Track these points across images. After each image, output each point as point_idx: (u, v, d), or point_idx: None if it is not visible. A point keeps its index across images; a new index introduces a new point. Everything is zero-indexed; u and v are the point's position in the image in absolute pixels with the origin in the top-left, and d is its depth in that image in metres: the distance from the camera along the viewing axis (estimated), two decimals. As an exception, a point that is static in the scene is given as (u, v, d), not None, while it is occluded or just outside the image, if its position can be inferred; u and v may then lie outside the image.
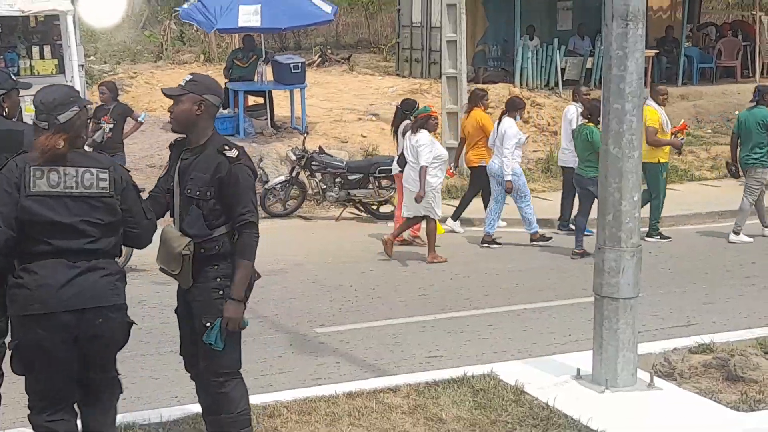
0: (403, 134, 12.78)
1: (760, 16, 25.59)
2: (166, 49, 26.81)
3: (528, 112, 19.03)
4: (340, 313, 10.03)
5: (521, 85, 21.47)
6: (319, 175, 14.73)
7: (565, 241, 13.11)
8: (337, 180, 14.66)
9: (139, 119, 13.73)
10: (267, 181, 15.16)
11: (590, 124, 12.20)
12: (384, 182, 14.60)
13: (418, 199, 11.94)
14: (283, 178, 14.99)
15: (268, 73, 18.09)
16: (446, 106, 16.93)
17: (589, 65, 22.54)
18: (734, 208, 15.00)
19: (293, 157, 14.79)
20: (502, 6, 22.90)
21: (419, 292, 10.88)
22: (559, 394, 6.70)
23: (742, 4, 33.44)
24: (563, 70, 22.18)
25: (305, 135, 15.45)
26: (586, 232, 12.43)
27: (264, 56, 17.84)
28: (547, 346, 8.81)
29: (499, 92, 19.78)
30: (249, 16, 16.09)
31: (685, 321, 9.63)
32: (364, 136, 17.31)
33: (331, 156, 15.15)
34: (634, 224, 6.71)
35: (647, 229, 13.10)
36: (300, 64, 17.62)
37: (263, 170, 15.57)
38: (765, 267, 11.98)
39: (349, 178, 14.66)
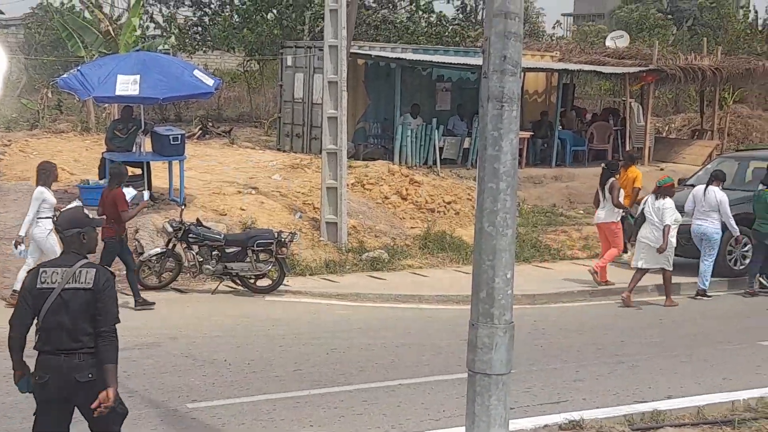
0: (609, 190, 15.50)
1: (630, 103, 26.57)
2: (42, 118, 26.35)
3: (406, 189, 19.28)
4: (213, 388, 9.86)
5: (400, 162, 21.75)
6: (196, 248, 14.57)
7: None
8: (214, 253, 14.52)
9: None
10: (142, 253, 14.93)
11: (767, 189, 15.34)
12: (262, 256, 14.53)
13: (661, 251, 14.33)
14: (159, 249, 14.78)
15: (147, 144, 17.92)
16: (326, 181, 17.00)
17: (466, 145, 23.00)
18: (603, 287, 15.48)
19: (170, 229, 14.61)
20: (383, 85, 23.28)
21: (294, 366, 10.79)
22: (431, 470, 6.69)
23: (613, 91, 34.71)
24: (441, 149, 22.58)
25: (183, 207, 15.32)
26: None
27: (143, 127, 17.68)
28: (421, 422, 8.82)
29: (378, 169, 20.00)
30: (127, 86, 15.95)
31: (557, 398, 9.76)
32: (243, 210, 17.23)
33: (209, 228, 15.03)
34: (507, 301, 6.80)
35: None
36: (179, 136, 17.51)
37: (139, 242, 15.34)
38: (633, 345, 12.27)
39: (227, 251, 14.55)
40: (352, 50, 21.33)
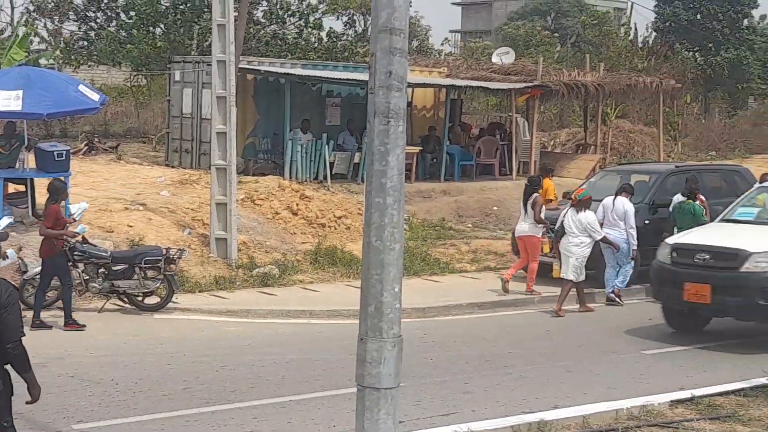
0: (532, 206, 15.95)
1: (516, 118, 27.04)
2: None
3: (297, 205, 19.26)
4: (99, 408, 9.69)
5: (291, 177, 21.72)
6: (81, 266, 14.28)
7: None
8: (100, 270, 14.26)
9: None
10: (26, 271, 14.57)
11: (690, 201, 15.86)
12: (150, 273, 14.34)
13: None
14: (43, 268, 14.44)
15: (30, 160, 17.53)
16: (216, 197, 16.87)
17: (357, 160, 23.09)
18: (493, 299, 15.72)
19: (54, 247, 14.28)
20: (273, 100, 23.24)
21: (184, 385, 10.68)
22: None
23: (500, 106, 35.29)
24: (332, 164, 22.62)
25: (68, 224, 15.01)
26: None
27: (26, 143, 17.30)
28: (311, 437, 8.81)
29: (268, 185, 19.93)
30: (9, 101, 15.57)
31: (446, 410, 9.85)
32: (130, 226, 16.97)
33: (95, 246, 14.74)
34: (395, 315, 6.84)
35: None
36: (64, 152, 17.16)
37: (22, 260, 14.97)
38: (521, 357, 12.47)
39: (114, 268, 14.31)
40: (241, 65, 21.24)
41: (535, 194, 16.23)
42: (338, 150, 23.21)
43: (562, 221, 15.55)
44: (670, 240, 14.13)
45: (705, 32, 45.82)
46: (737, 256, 12.74)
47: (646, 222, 17.16)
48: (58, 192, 13.60)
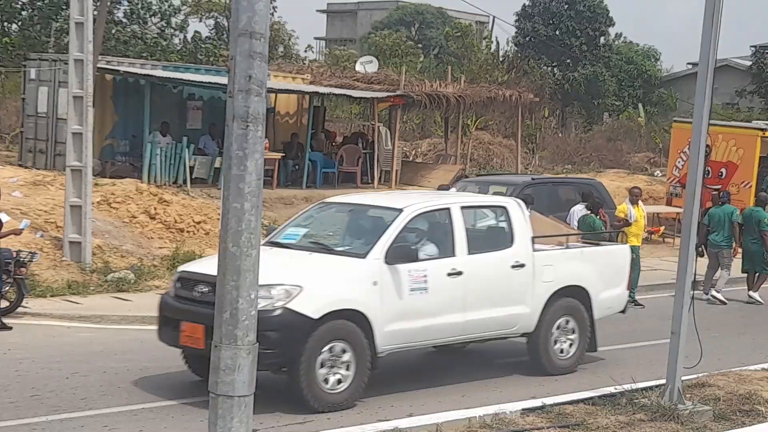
0: None
1: (378, 127, 27.22)
2: None
3: (155, 209, 18.93)
4: (-60, 417, 9.31)
5: (149, 181, 21.31)
6: (-75, 268, 13.72)
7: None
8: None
9: None
10: None
11: (591, 215, 16.56)
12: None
13: None
14: None
15: None
16: (70, 199, 16.44)
17: (217, 164, 22.81)
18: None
19: None
20: (132, 101, 22.81)
21: (32, 392, 10.34)
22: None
23: (363, 115, 35.49)
24: (192, 168, 22.32)
25: None
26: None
27: None
28: (163, 446, 8.64)
29: (126, 188, 19.52)
30: None
31: (302, 419, 9.79)
32: (-22, 228, 16.38)
33: (-59, 247, 14.18)
34: (251, 322, 6.77)
35: None
36: None
37: None
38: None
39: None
40: (99, 65, 20.78)
41: None
42: (199, 154, 22.92)
43: None
44: (180, 267, 11.79)
45: (563, 48, 47.05)
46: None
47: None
48: None
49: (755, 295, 18.31)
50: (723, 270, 18.40)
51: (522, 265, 11.73)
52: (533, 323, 11.89)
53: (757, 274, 18.51)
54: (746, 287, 18.65)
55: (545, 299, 11.95)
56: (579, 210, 17.13)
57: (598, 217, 16.58)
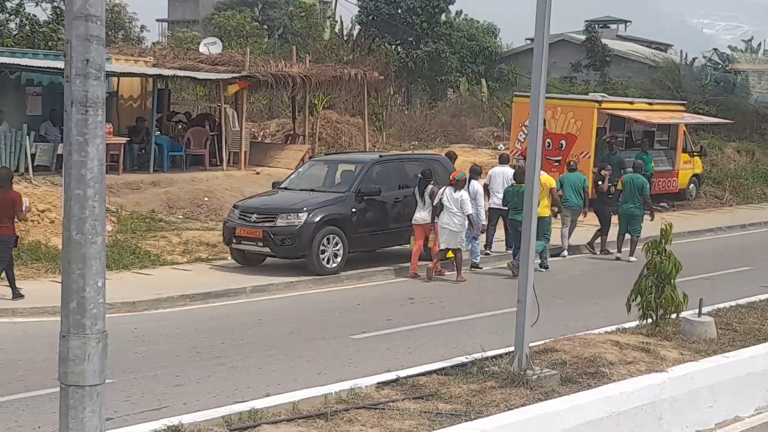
0: (430, 195, 17.65)
1: (225, 109, 26.98)
2: None
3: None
4: None
5: (-12, 171, 20.59)
6: None
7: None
8: None
9: None
10: None
11: (520, 184, 17.03)
12: None
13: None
14: None
15: None
16: None
17: (60, 151, 22.22)
18: (205, 290, 15.69)
19: None
20: (-34, 89, 22.00)
21: None
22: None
23: (209, 96, 35.08)
24: (34, 156, 21.71)
25: None
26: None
27: None
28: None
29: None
30: None
31: (157, 404, 9.73)
32: None
33: None
34: (99, 310, 6.66)
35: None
36: None
37: None
38: (233, 347, 12.50)
39: None
40: (-71, 52, 19.97)
41: (430, 186, 17.73)
42: (40, 141, 22.27)
43: (440, 199, 17.38)
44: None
45: (405, 26, 47.45)
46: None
47: (353, 210, 17.65)
48: (10, 177, 15.08)
49: (632, 258, 19.47)
50: (565, 228, 20.55)
51: None
52: None
53: (631, 237, 20.12)
54: (605, 248, 20.91)
55: None
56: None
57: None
